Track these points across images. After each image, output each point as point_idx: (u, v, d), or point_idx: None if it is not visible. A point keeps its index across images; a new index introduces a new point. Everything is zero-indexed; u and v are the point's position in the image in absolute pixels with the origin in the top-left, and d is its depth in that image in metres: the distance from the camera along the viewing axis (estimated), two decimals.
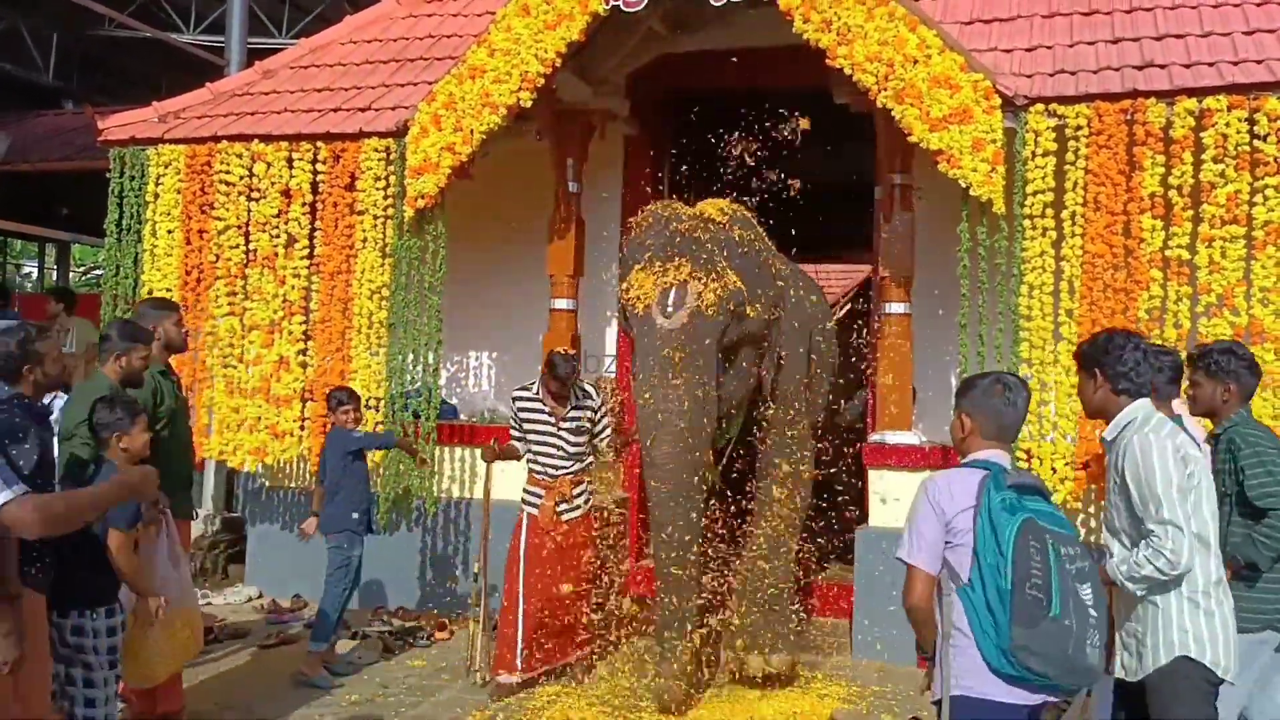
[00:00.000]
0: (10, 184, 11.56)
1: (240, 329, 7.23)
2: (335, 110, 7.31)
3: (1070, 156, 5.82)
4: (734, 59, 7.16)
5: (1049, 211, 5.82)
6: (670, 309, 5.04)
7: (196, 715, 5.04)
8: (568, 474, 5.68)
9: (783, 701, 5.45)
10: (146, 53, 12.87)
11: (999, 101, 5.73)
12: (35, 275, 19.74)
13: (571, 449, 5.70)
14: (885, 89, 5.77)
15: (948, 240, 6.08)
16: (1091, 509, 5.96)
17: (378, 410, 6.90)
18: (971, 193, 5.76)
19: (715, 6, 6.14)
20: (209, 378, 7.27)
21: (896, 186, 6.39)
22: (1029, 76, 6.08)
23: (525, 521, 5.70)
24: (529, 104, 6.44)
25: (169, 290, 7.25)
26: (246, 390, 7.17)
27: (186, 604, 4.48)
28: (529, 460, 5.77)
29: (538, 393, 5.73)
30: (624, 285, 5.33)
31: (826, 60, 5.91)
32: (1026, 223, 5.86)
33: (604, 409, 5.90)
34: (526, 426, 5.73)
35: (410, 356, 6.87)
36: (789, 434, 5.77)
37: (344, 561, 5.76)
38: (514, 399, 5.83)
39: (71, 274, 19.05)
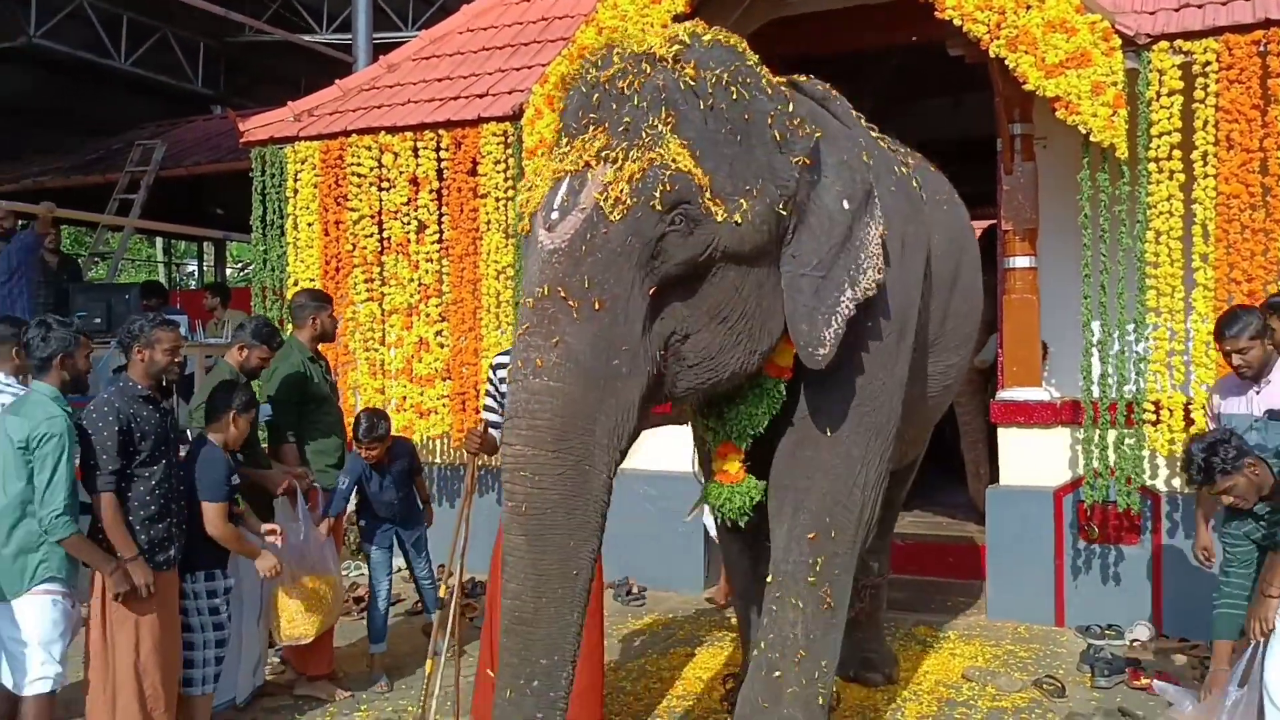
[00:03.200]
0: (169, 188, 12.35)
1: (380, 314, 7.59)
2: (455, 98, 7.57)
3: (1199, 94, 5.56)
4: (844, 19, 7.08)
5: (1176, 154, 5.58)
6: (555, 214, 2.97)
7: (349, 676, 5.38)
8: None
9: (913, 661, 5.47)
10: (283, 54, 13.49)
11: (1119, 42, 5.52)
12: (195, 273, 20.96)
13: None
14: (997, 38, 5.64)
15: (1074, 189, 5.91)
16: None
17: None
18: (1092, 139, 5.58)
19: None
20: (352, 361, 7.67)
21: (1016, 137, 6.23)
22: (1151, 14, 5.83)
23: None
24: None
25: (312, 280, 7.66)
26: (390, 372, 7.54)
27: (323, 570, 4.82)
28: None
29: None
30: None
31: (935, 13, 5.80)
32: (1152, 166, 5.64)
33: None
34: None
35: None
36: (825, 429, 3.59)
37: None
38: (493, 366, 4.41)
39: (229, 269, 20.19)
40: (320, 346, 5.56)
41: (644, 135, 2.99)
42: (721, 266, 3.07)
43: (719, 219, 3.00)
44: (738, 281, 3.12)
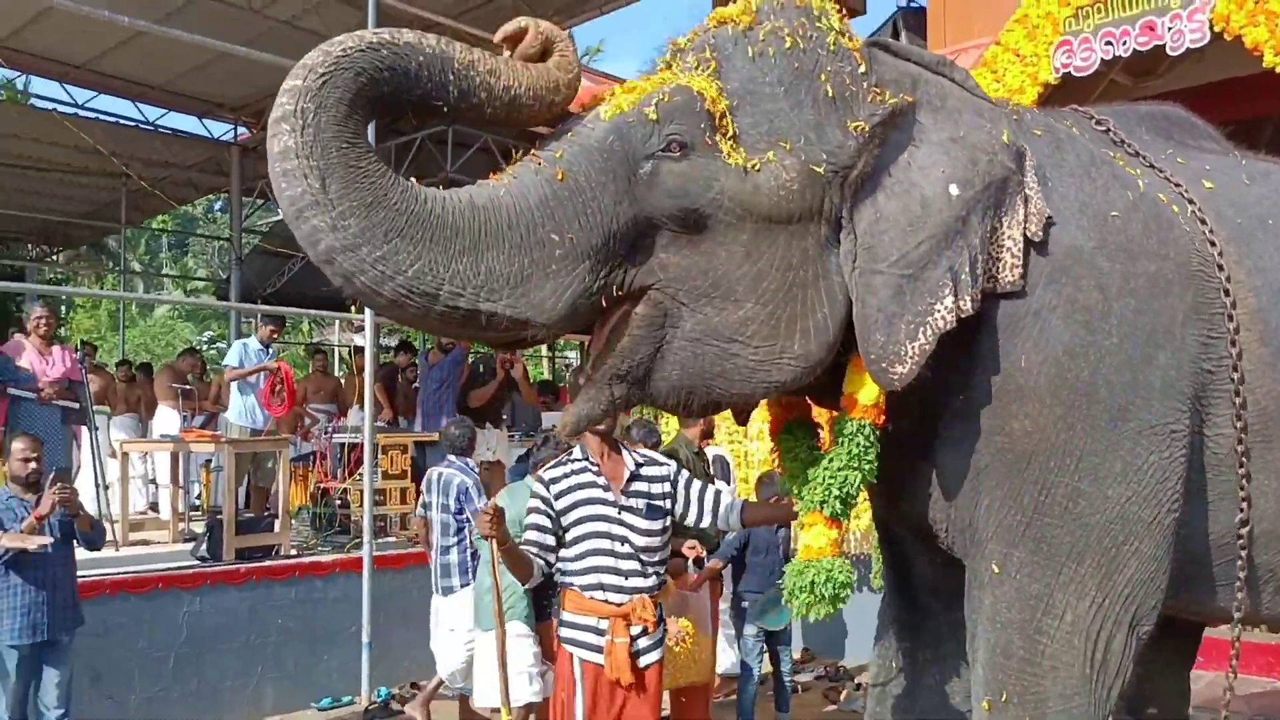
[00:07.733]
0: None
1: None
2: None
3: None
4: (1203, 94, 6.89)
5: None
6: None
7: None
8: (645, 590, 3.54)
9: None
10: None
11: None
12: (577, 361, 22.85)
13: (642, 542, 3.55)
14: None
15: None
16: None
17: None
18: None
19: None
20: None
21: None
22: None
23: (579, 673, 3.54)
24: None
25: None
26: (752, 463, 8.04)
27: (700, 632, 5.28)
28: (568, 574, 3.58)
29: (584, 456, 3.61)
30: None
31: None
32: None
33: (690, 482, 3.72)
34: (569, 516, 3.55)
35: None
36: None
37: None
38: (546, 481, 3.61)
39: None
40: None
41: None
42: (731, 224, 2.55)
43: (726, 158, 2.54)
44: (753, 249, 2.56)
